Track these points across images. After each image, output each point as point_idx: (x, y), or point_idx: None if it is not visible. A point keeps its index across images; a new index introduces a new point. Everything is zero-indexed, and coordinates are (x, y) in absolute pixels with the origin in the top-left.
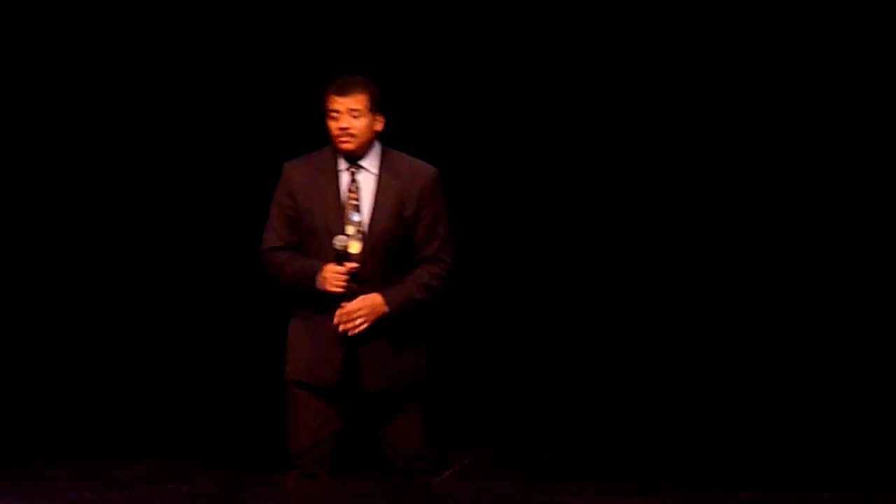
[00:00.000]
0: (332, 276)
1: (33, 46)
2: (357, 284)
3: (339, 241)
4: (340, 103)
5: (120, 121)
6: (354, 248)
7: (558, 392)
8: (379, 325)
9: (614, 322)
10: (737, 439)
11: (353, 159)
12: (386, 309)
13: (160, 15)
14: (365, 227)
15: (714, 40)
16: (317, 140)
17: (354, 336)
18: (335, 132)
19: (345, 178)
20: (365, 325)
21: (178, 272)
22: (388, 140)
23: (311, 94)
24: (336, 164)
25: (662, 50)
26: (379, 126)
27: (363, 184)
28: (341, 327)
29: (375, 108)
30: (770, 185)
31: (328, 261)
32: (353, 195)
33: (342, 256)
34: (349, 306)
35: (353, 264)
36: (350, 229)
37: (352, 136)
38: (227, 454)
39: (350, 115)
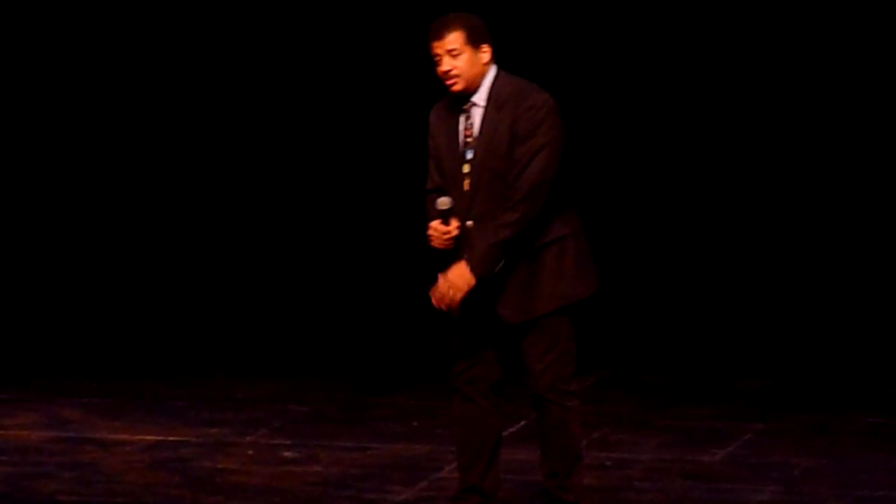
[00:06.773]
0: (435, 235)
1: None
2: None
3: (440, 202)
4: (438, 47)
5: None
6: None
7: (678, 317)
8: (512, 258)
9: (736, 248)
10: (860, 364)
11: (468, 96)
12: (471, 272)
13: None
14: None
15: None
16: None
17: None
18: (441, 76)
19: (463, 117)
20: (460, 296)
21: (315, 190)
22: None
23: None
24: (459, 103)
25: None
26: (485, 57)
27: (475, 119)
28: (443, 307)
29: (475, 40)
30: None
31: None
32: (467, 132)
33: (445, 215)
34: (439, 287)
35: (456, 223)
36: (466, 167)
37: (456, 76)
38: (346, 375)
39: (449, 56)
